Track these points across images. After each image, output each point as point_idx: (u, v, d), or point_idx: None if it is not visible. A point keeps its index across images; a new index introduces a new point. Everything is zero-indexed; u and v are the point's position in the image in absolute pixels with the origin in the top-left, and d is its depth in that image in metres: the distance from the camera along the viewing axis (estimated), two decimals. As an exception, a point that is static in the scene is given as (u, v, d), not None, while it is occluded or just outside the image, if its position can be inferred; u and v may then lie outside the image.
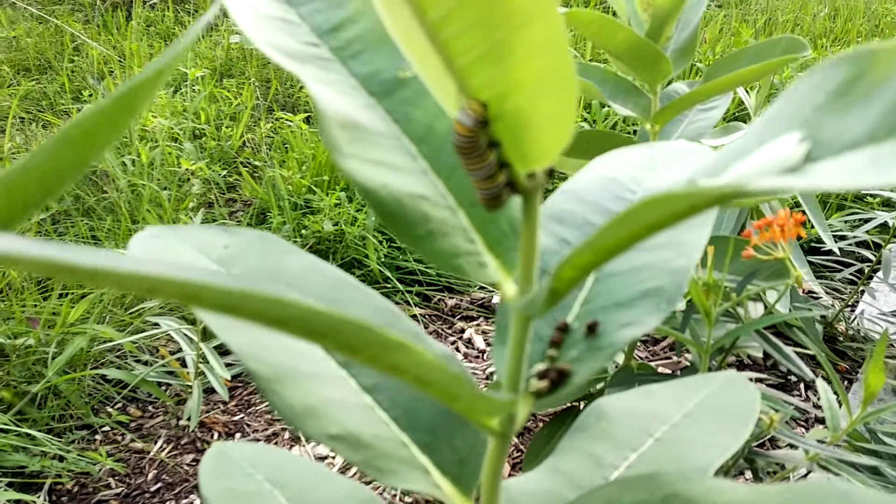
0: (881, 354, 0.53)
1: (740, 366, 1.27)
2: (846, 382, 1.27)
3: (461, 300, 1.56)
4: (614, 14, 1.28)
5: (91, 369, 1.21)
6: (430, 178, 0.31)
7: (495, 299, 1.55)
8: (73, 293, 1.30)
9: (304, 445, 1.16)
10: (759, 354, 1.07)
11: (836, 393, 0.61)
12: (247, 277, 0.41)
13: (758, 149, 0.22)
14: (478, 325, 1.49)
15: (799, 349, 0.94)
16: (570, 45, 0.25)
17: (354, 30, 0.34)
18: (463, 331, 1.47)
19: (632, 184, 0.40)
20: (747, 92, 1.49)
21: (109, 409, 1.21)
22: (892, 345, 1.29)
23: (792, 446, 0.65)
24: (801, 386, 1.29)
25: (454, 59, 0.24)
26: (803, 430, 1.16)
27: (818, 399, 1.22)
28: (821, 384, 0.64)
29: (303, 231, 1.63)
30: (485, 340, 1.43)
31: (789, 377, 1.31)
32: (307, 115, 2.11)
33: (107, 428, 1.18)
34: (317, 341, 0.24)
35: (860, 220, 1.64)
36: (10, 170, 0.20)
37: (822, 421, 1.09)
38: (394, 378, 0.38)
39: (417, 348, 0.23)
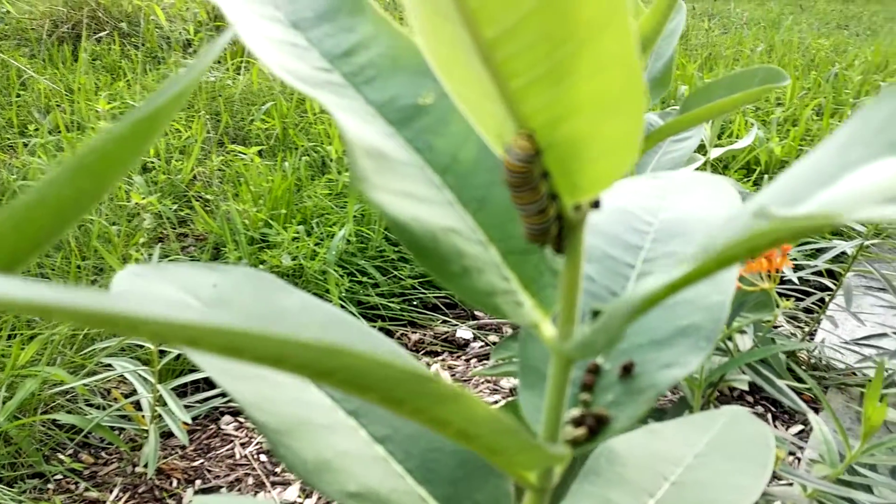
0: (878, 387, 0.52)
1: (722, 398, 1.27)
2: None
3: (424, 335, 1.54)
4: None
5: (42, 414, 1.14)
6: (457, 211, 0.29)
7: (459, 333, 1.53)
8: (22, 334, 1.23)
9: (269, 491, 1.11)
10: (745, 387, 1.07)
11: (834, 428, 0.60)
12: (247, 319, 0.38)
13: (841, 174, 0.21)
14: (443, 360, 1.46)
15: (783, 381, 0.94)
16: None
17: (367, 55, 0.32)
18: (428, 366, 1.44)
19: (646, 215, 0.38)
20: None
21: (62, 456, 1.14)
22: (853, 373, 1.31)
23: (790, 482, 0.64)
24: (769, 416, 1.30)
25: (507, 82, 0.22)
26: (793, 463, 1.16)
27: (787, 430, 1.23)
28: (814, 418, 0.63)
29: (260, 266, 1.59)
30: (451, 375, 1.40)
31: (755, 408, 1.31)
32: (259, 148, 2.07)
33: (59, 476, 1.12)
34: (358, 393, 0.22)
35: (814, 249, 1.67)
36: (20, 202, 0.17)
37: (793, 453, 1.09)
38: (419, 428, 0.35)
39: (473, 400, 0.21)
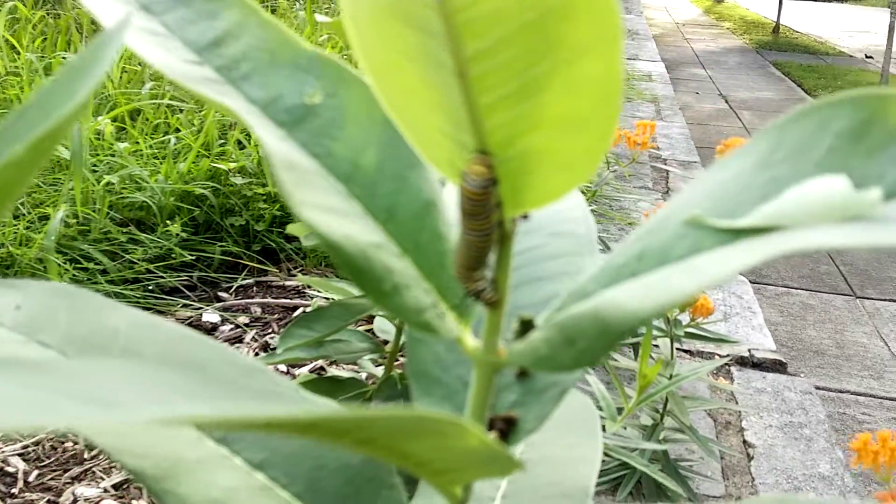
0: (648, 347, 0.59)
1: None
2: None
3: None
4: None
5: None
6: (369, 223, 0.27)
7: (205, 317, 1.45)
8: None
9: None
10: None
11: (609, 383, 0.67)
12: (79, 350, 0.33)
13: (775, 189, 0.23)
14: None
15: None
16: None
17: (238, 46, 0.28)
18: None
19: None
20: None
21: None
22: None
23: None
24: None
25: (476, 98, 0.21)
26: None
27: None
28: (590, 378, 0.69)
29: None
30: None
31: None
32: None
33: None
34: (339, 441, 0.20)
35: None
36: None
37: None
38: (298, 447, 0.33)
39: (474, 431, 0.20)
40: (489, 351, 0.27)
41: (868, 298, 2.27)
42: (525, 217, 0.25)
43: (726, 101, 4.94)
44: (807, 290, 2.31)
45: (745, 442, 1.31)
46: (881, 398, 1.67)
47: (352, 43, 0.22)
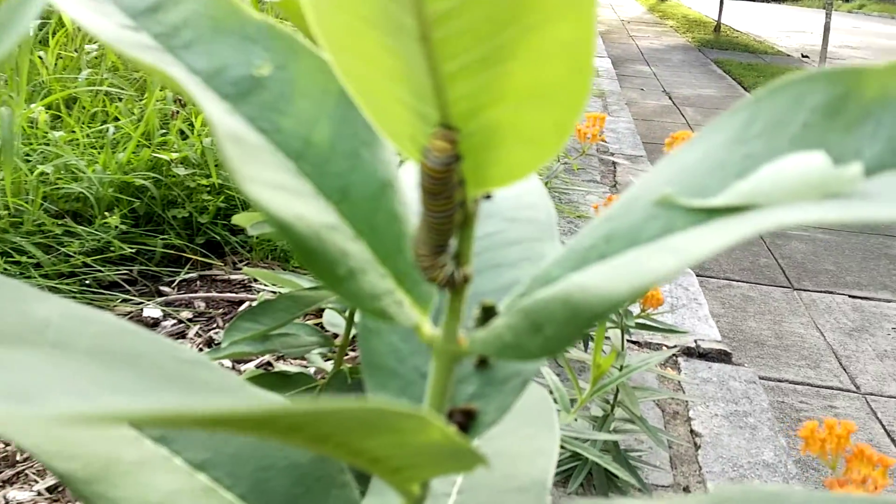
0: (601, 338, 0.58)
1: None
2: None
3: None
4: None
5: None
6: (321, 203, 0.25)
7: (147, 312, 1.40)
8: None
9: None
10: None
11: (568, 378, 0.66)
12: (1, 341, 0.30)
13: (750, 166, 0.22)
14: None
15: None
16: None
17: (179, 12, 0.26)
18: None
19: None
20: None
21: None
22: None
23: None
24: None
25: (440, 64, 0.19)
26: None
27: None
28: (543, 369, 0.69)
29: None
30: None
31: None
32: None
33: None
34: (283, 438, 0.18)
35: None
36: None
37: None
38: (242, 446, 0.31)
39: (436, 423, 0.18)
40: (449, 339, 0.25)
41: (805, 290, 2.33)
42: (488, 197, 0.24)
43: (670, 98, 5.02)
44: (747, 282, 2.35)
45: (692, 431, 1.33)
46: (818, 387, 1.72)
47: (305, 6, 0.20)
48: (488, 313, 0.25)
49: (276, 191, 0.22)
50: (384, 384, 0.30)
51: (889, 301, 2.29)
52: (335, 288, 0.23)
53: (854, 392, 1.72)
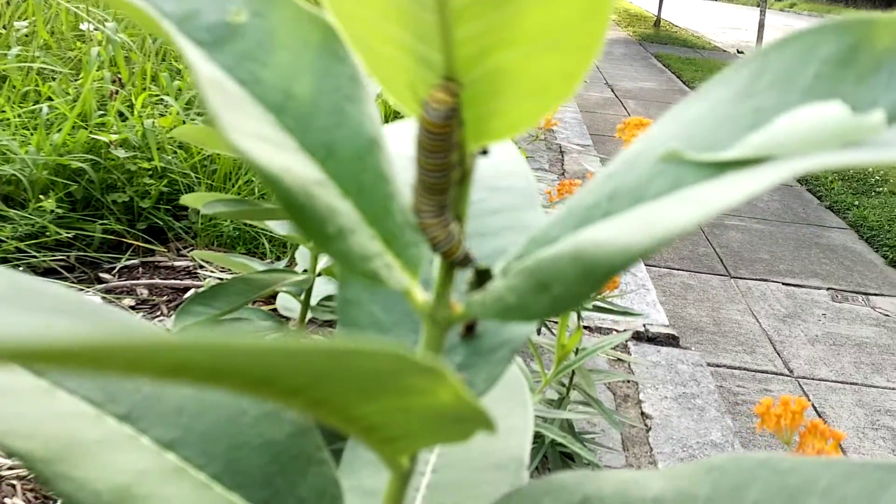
0: (566, 318, 0.58)
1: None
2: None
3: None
4: None
5: None
6: (308, 159, 0.23)
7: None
8: None
9: None
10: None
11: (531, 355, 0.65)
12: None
13: (763, 118, 0.21)
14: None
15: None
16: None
17: (145, -49, 0.24)
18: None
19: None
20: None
21: None
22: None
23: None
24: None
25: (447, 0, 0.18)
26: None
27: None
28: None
29: None
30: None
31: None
32: None
33: None
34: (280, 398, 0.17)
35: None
36: None
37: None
38: (213, 423, 0.29)
39: (452, 382, 0.17)
40: (442, 305, 0.24)
41: (741, 278, 2.38)
42: (484, 153, 0.23)
43: (612, 91, 5.08)
44: (687, 270, 2.40)
45: (643, 413, 1.34)
46: (754, 371, 1.76)
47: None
48: (483, 277, 0.24)
49: (262, 142, 0.21)
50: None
51: (818, 288, 2.36)
52: (325, 247, 0.21)
53: (787, 375, 1.77)
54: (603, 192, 0.23)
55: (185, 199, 0.77)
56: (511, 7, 0.18)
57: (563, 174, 2.82)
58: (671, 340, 1.70)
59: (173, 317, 1.18)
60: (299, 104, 0.24)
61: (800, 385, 1.73)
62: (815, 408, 1.64)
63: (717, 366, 1.74)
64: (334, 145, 0.24)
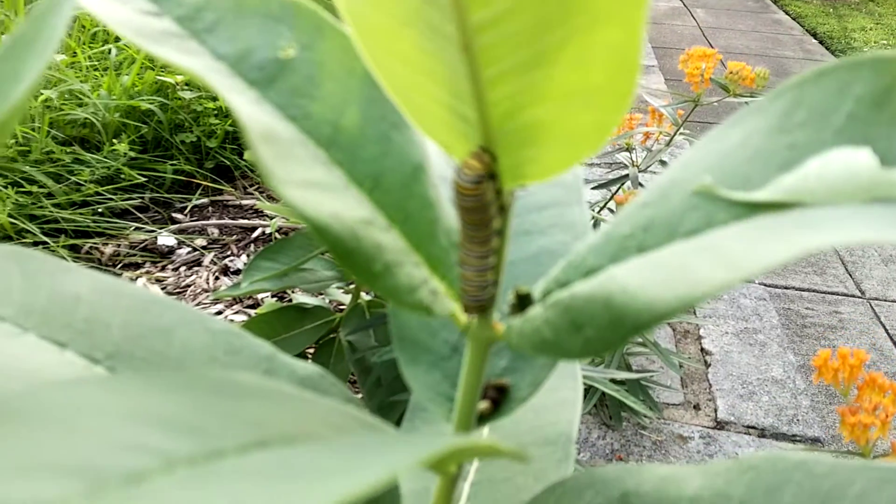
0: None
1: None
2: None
3: (119, 245, 1.39)
4: None
5: None
6: (352, 193, 0.25)
7: (161, 240, 1.41)
8: None
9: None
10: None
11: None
12: (39, 322, 0.30)
13: (795, 158, 0.21)
14: (147, 272, 1.34)
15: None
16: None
17: (198, -9, 0.25)
18: (133, 280, 1.31)
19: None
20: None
21: None
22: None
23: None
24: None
25: (480, 71, 0.19)
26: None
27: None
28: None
29: None
30: (161, 289, 1.30)
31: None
32: None
33: None
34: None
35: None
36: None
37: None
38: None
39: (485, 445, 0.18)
40: (485, 326, 0.25)
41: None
42: (523, 186, 0.24)
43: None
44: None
45: (702, 349, 1.35)
46: (824, 293, 1.72)
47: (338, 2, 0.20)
48: (524, 301, 0.25)
49: (310, 189, 0.22)
50: (416, 359, 0.30)
51: None
52: (371, 284, 0.23)
53: (859, 297, 1.73)
54: (639, 221, 0.23)
55: (250, 156, 0.79)
56: (541, 72, 0.19)
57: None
58: (734, 273, 1.67)
59: (238, 259, 1.23)
60: (348, 135, 0.25)
61: (871, 307, 1.69)
62: (886, 331, 1.61)
63: (786, 288, 1.71)
64: (381, 175, 0.25)
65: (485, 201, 0.21)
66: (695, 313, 1.43)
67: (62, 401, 0.15)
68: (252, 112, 0.23)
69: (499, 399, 0.29)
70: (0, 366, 0.30)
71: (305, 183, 0.22)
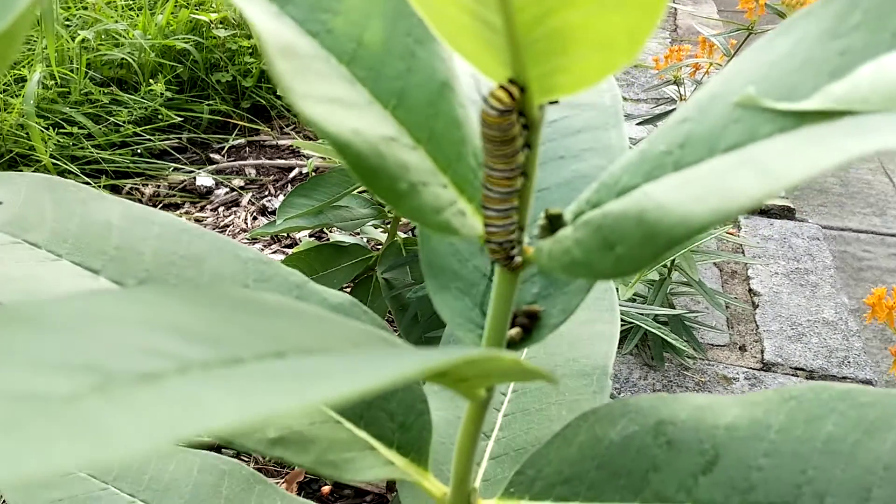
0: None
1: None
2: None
3: (159, 186, 1.40)
4: None
5: None
6: (376, 111, 0.24)
7: (200, 181, 1.42)
8: None
9: None
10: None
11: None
12: (73, 248, 0.31)
13: (847, 65, 0.20)
14: (186, 212, 1.35)
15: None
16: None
17: None
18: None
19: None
20: None
21: None
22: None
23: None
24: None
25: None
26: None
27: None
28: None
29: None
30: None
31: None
32: None
33: None
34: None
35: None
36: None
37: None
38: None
39: (509, 358, 0.18)
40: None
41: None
42: (554, 102, 0.23)
43: (731, -70, 4.66)
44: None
45: (750, 290, 1.32)
46: (883, 234, 1.65)
47: None
48: (554, 223, 0.24)
49: (331, 105, 0.21)
50: (445, 285, 0.29)
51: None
52: (397, 205, 0.22)
53: (922, 240, 1.67)
54: (676, 137, 0.22)
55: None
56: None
57: (675, 30, 2.66)
58: (786, 213, 1.63)
59: (275, 199, 1.23)
60: (371, 52, 0.24)
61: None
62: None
63: (843, 229, 1.64)
64: (406, 92, 0.24)
65: (511, 134, 0.20)
66: (743, 253, 1.40)
67: (78, 308, 0.15)
68: (271, 26, 0.22)
69: (530, 326, 0.28)
70: (36, 291, 0.30)
71: (326, 98, 0.21)
